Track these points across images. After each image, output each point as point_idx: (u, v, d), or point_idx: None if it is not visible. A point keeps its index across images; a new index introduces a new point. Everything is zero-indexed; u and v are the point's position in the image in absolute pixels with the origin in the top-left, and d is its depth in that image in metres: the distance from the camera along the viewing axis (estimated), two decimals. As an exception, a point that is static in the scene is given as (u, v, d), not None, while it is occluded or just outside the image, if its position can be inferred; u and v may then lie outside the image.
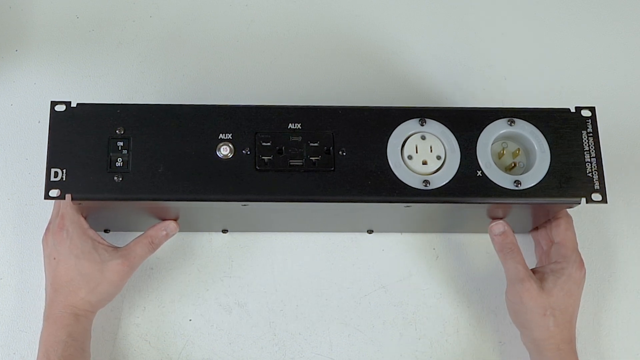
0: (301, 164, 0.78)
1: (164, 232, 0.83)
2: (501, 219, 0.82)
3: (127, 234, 0.88)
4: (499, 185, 0.77)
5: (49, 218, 0.83)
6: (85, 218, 0.82)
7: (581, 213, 0.84)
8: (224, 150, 0.77)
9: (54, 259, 0.80)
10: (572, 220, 0.83)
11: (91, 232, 0.81)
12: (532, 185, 0.78)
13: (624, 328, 0.89)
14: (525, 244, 0.90)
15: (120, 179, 0.76)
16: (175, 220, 0.83)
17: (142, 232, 0.88)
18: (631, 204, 0.93)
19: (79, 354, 0.79)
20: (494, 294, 0.89)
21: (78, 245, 0.79)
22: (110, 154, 0.77)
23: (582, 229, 0.90)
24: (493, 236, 0.82)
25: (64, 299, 0.79)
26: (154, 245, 0.82)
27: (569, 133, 0.79)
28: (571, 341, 0.81)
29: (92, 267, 0.79)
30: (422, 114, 0.79)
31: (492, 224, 0.82)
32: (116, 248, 0.81)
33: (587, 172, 0.78)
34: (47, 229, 0.81)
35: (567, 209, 0.83)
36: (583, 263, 0.82)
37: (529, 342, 0.82)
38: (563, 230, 0.82)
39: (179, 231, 0.88)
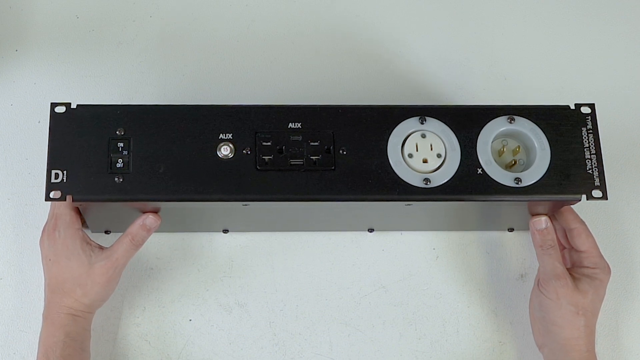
0: (302, 163, 0.78)
1: (144, 228, 0.80)
2: (544, 214, 0.82)
3: (127, 234, 0.88)
4: (499, 183, 0.78)
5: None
6: (82, 218, 0.82)
7: (581, 210, 0.84)
8: (225, 150, 0.77)
9: (49, 260, 0.80)
10: (587, 227, 0.83)
11: (81, 232, 0.81)
12: (533, 182, 0.78)
13: (624, 328, 0.89)
14: (527, 242, 0.91)
15: (121, 179, 0.76)
16: (155, 212, 0.80)
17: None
18: (631, 200, 0.93)
19: (78, 354, 0.79)
20: (494, 294, 0.89)
21: (68, 247, 0.79)
22: (111, 155, 0.77)
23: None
24: (535, 231, 0.81)
25: (60, 300, 0.79)
26: (135, 243, 0.80)
27: (569, 130, 0.79)
28: (594, 345, 0.81)
29: (80, 269, 0.79)
30: (422, 112, 0.79)
31: (535, 219, 0.81)
32: (103, 249, 0.81)
33: (587, 168, 0.78)
34: (43, 229, 0.81)
35: (580, 214, 0.83)
36: (610, 268, 0.82)
37: (554, 342, 0.81)
38: (585, 238, 0.83)
39: (179, 231, 0.89)
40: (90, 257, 0.79)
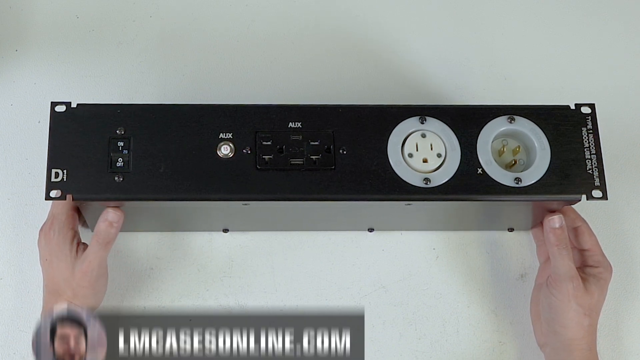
0: (302, 162, 0.78)
1: (106, 224, 0.78)
2: (556, 212, 0.81)
3: (128, 234, 0.88)
4: (499, 183, 0.78)
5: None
6: (83, 218, 0.82)
7: (581, 210, 0.84)
8: (225, 150, 0.77)
9: (46, 260, 0.80)
10: (589, 226, 0.84)
11: (74, 234, 0.80)
12: (533, 182, 0.78)
13: (624, 328, 0.89)
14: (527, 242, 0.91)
15: (121, 179, 0.76)
16: (117, 207, 0.78)
17: (145, 232, 0.89)
18: (631, 200, 0.93)
19: None
20: (494, 294, 0.89)
21: (60, 247, 0.79)
22: (111, 154, 0.77)
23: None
24: (551, 229, 0.80)
25: (55, 301, 0.79)
26: (101, 241, 0.78)
27: (569, 130, 0.79)
28: (595, 343, 0.81)
29: (67, 272, 0.79)
30: (422, 112, 0.79)
31: (550, 217, 0.80)
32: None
33: (587, 168, 0.79)
34: (41, 229, 0.81)
35: (580, 214, 0.84)
36: (611, 266, 0.83)
37: (557, 341, 0.81)
38: (588, 237, 0.83)
39: (179, 231, 0.88)
40: (74, 260, 0.79)
